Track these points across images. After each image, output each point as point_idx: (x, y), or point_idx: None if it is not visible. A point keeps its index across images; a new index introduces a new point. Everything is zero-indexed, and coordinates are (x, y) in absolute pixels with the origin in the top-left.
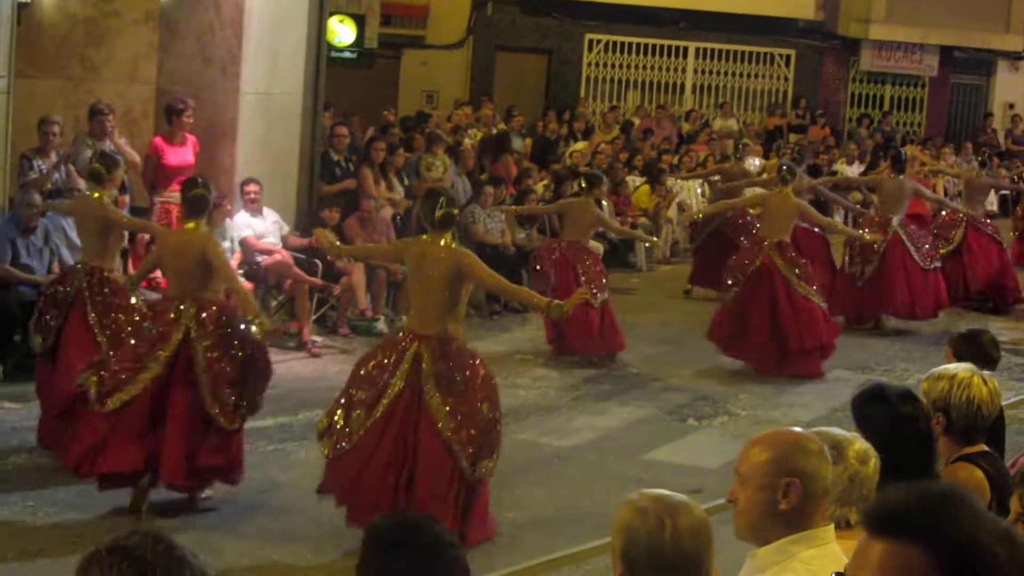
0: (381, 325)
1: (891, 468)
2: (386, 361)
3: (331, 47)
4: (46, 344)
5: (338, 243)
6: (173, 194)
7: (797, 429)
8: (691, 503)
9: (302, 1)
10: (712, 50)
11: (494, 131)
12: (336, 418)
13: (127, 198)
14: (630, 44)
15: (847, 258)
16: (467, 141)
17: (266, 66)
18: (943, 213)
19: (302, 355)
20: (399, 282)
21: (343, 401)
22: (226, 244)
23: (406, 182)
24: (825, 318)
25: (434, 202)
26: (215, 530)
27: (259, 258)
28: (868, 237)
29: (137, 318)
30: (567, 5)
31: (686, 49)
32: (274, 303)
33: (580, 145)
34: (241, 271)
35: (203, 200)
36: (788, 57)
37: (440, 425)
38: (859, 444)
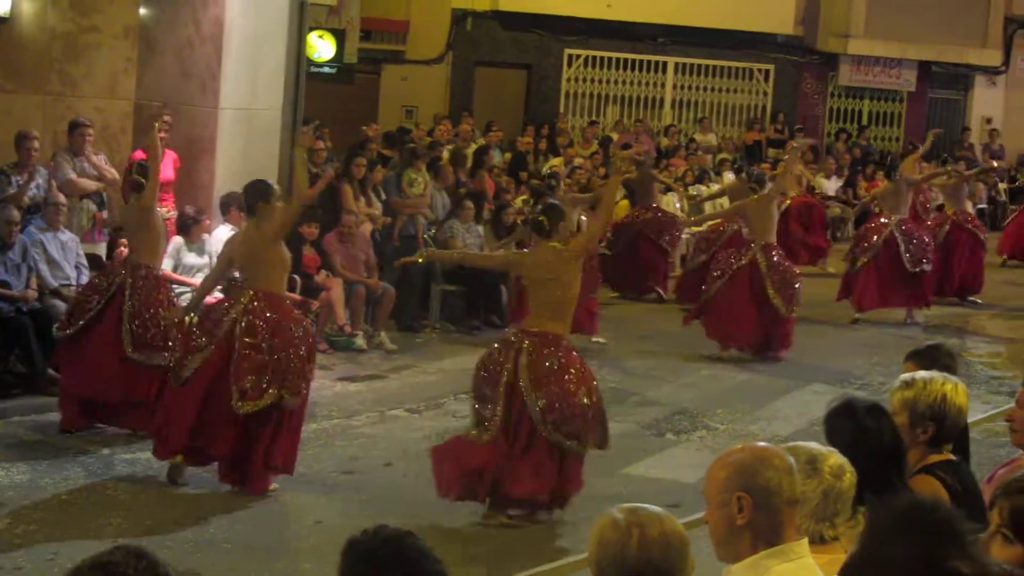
0: (360, 341)
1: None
2: (501, 359)
3: (311, 62)
4: (75, 325)
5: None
6: None
7: (763, 444)
8: (664, 515)
9: (282, 17)
10: (691, 65)
11: (473, 145)
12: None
13: (105, 213)
14: (609, 59)
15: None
16: (445, 155)
17: (246, 82)
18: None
19: None
20: (378, 298)
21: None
22: (204, 259)
23: (383, 197)
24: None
25: (559, 214)
26: (196, 546)
27: (237, 274)
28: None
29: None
30: (547, 20)
31: (665, 64)
32: None
33: (556, 161)
34: (219, 286)
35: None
36: (767, 72)
37: (534, 408)
38: (834, 459)
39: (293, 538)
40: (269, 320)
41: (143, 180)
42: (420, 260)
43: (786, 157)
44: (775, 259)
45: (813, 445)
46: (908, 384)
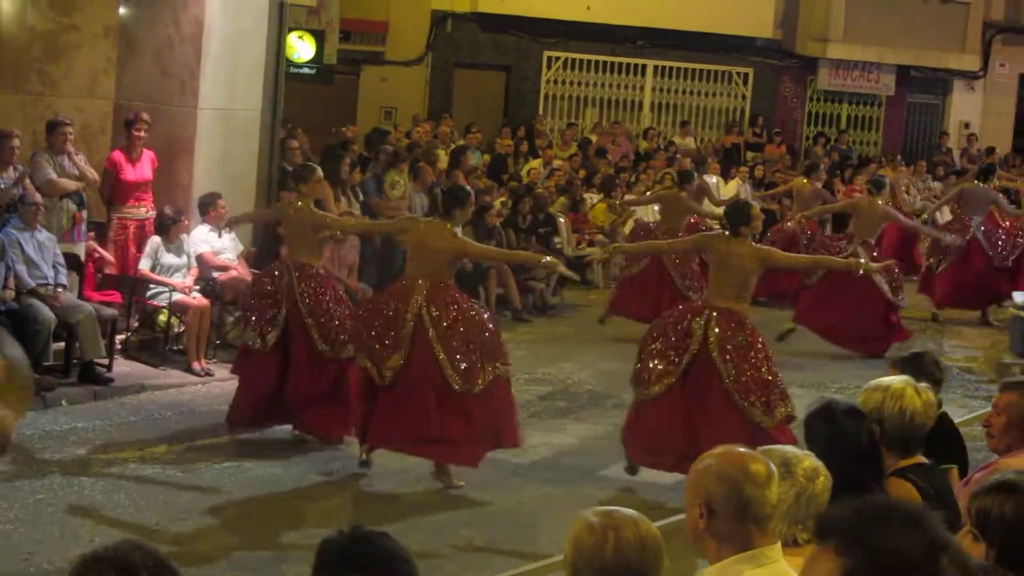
0: None
1: (833, 483)
2: (680, 326)
3: (290, 63)
4: (266, 341)
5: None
6: (131, 209)
7: (741, 449)
8: (640, 518)
9: (261, 17)
10: (670, 68)
11: (452, 146)
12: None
13: (84, 213)
14: (588, 62)
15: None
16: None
17: (225, 82)
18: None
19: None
20: (357, 300)
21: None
22: (183, 259)
23: (361, 198)
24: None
25: (747, 209)
26: (174, 545)
27: (216, 274)
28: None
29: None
30: (526, 22)
31: (644, 67)
32: (230, 319)
33: (535, 163)
34: (197, 287)
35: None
36: (746, 75)
37: (726, 382)
38: (809, 462)
39: (273, 538)
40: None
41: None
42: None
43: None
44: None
45: (788, 448)
46: (866, 388)
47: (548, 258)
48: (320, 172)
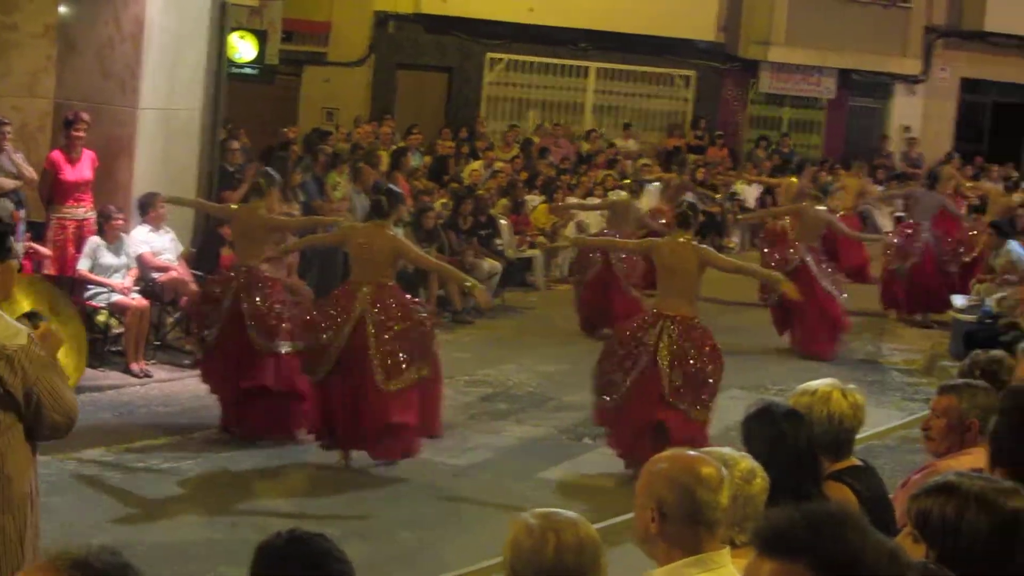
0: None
1: (772, 486)
2: (640, 334)
3: (231, 63)
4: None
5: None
6: (70, 210)
7: (692, 452)
8: (579, 520)
9: (203, 17)
10: (613, 70)
11: (392, 148)
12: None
13: (23, 212)
14: (531, 63)
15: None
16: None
17: (166, 82)
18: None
19: (197, 373)
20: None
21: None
22: (122, 259)
23: (302, 198)
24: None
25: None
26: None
27: (155, 275)
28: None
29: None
30: (469, 24)
31: (587, 69)
32: (170, 320)
33: (476, 164)
34: (137, 288)
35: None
36: (688, 78)
37: (665, 388)
38: (745, 463)
39: (208, 541)
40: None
41: (263, 183)
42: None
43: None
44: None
45: (725, 450)
46: (794, 392)
47: (470, 283)
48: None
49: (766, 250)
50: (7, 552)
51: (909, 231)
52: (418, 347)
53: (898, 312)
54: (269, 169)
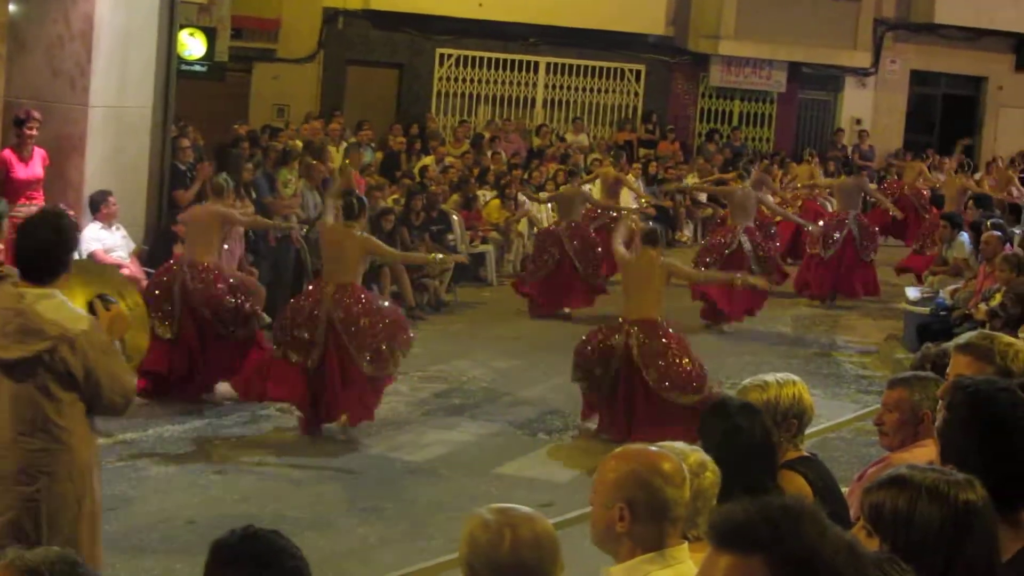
0: None
1: (727, 480)
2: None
3: (181, 60)
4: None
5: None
6: (22, 208)
7: (654, 448)
8: (535, 516)
9: (152, 14)
10: (563, 65)
11: (344, 144)
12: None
13: None
14: (481, 59)
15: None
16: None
17: (116, 79)
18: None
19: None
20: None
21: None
22: (74, 257)
23: (253, 195)
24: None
25: (655, 233)
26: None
27: None
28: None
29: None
30: (418, 19)
31: (537, 64)
32: None
33: (428, 160)
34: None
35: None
36: (638, 72)
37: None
38: (695, 456)
39: (165, 538)
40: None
41: (223, 184)
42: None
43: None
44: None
45: (678, 444)
46: (763, 387)
47: (437, 255)
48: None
49: (709, 236)
50: (66, 513)
51: (836, 219)
52: (393, 335)
53: (809, 295)
54: (225, 174)
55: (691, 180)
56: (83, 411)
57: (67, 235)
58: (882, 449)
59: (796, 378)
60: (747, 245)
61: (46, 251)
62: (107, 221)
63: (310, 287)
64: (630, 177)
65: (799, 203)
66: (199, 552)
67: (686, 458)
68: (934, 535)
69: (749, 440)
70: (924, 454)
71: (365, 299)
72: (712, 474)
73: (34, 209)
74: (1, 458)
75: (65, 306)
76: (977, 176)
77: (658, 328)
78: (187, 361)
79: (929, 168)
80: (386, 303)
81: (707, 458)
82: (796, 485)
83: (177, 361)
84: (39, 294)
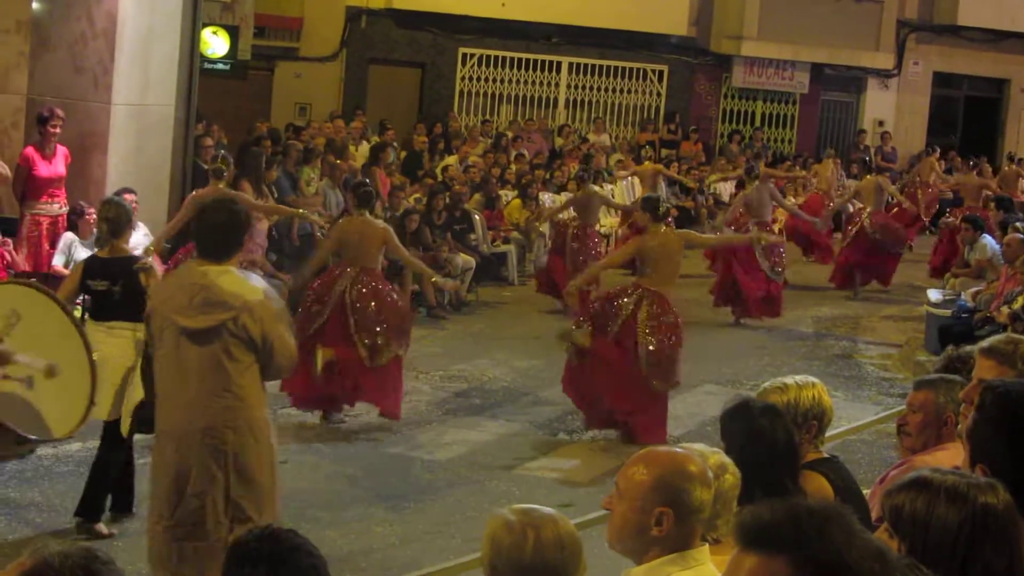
0: None
1: (749, 481)
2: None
3: (204, 58)
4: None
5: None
6: (44, 206)
7: (679, 449)
8: (558, 516)
9: (175, 12)
10: (585, 65)
11: (364, 144)
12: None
13: None
14: (503, 58)
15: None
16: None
17: (138, 77)
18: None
19: None
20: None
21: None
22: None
23: (275, 194)
24: None
25: (656, 202)
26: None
27: None
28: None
29: None
30: (441, 19)
31: (559, 64)
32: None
33: (451, 159)
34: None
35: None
36: (661, 73)
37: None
38: (715, 458)
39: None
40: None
41: (223, 167)
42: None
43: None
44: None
45: (698, 446)
46: (783, 389)
47: (436, 278)
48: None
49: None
50: (249, 463)
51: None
52: (395, 328)
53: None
54: (225, 153)
55: (712, 178)
56: (258, 373)
57: (240, 218)
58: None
59: (816, 380)
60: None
61: (222, 233)
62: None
63: (335, 269)
64: (671, 169)
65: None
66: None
67: (707, 460)
68: (951, 538)
69: (772, 442)
70: (947, 457)
71: (382, 287)
72: (732, 476)
73: (56, 207)
74: (191, 415)
75: (241, 280)
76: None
77: (670, 306)
78: None
79: (950, 171)
80: (400, 302)
81: (727, 460)
82: (817, 485)
83: None
84: (219, 271)
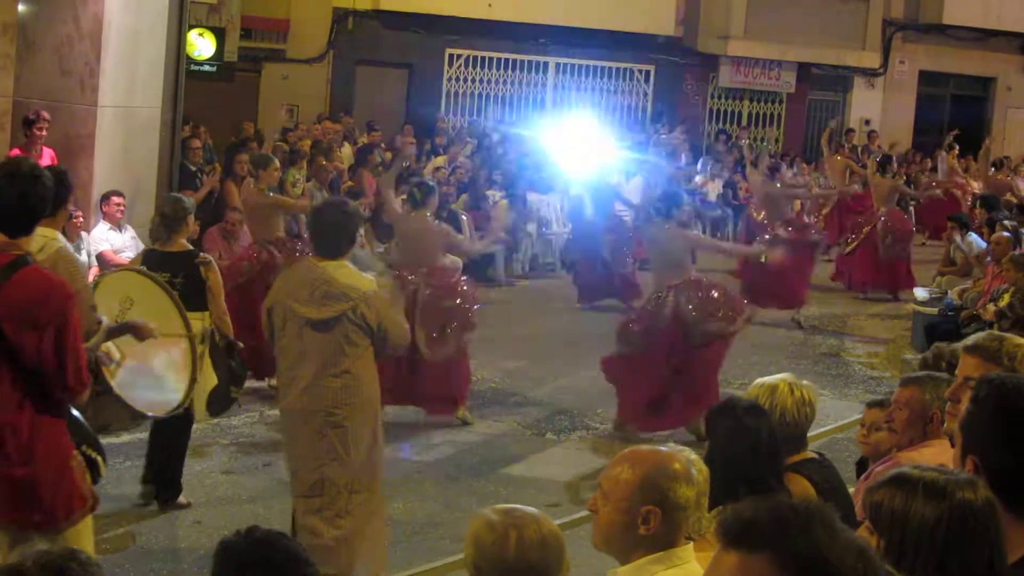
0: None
1: (732, 479)
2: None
3: (191, 60)
4: None
5: None
6: None
7: (663, 448)
8: (541, 516)
9: (161, 14)
10: (572, 65)
11: (345, 145)
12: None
13: None
14: (491, 59)
15: None
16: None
17: (125, 79)
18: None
19: None
20: None
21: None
22: (83, 258)
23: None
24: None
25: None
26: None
27: None
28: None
29: None
30: (428, 20)
31: (546, 64)
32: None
33: (438, 160)
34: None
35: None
36: (648, 73)
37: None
38: (683, 455)
39: (172, 538)
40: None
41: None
42: None
43: None
44: None
45: (671, 445)
46: (770, 387)
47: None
48: (277, 162)
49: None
50: (364, 437)
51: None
52: (461, 320)
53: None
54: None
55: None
56: (372, 356)
57: (353, 217)
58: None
59: (794, 378)
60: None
61: (337, 231)
62: (112, 221)
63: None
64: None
65: (826, 209)
66: (206, 552)
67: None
68: (929, 534)
69: (756, 440)
70: (932, 454)
71: (454, 281)
72: (700, 474)
73: None
74: (314, 394)
75: (356, 273)
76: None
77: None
78: None
79: (933, 170)
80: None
81: (694, 457)
82: (801, 488)
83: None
84: (336, 265)
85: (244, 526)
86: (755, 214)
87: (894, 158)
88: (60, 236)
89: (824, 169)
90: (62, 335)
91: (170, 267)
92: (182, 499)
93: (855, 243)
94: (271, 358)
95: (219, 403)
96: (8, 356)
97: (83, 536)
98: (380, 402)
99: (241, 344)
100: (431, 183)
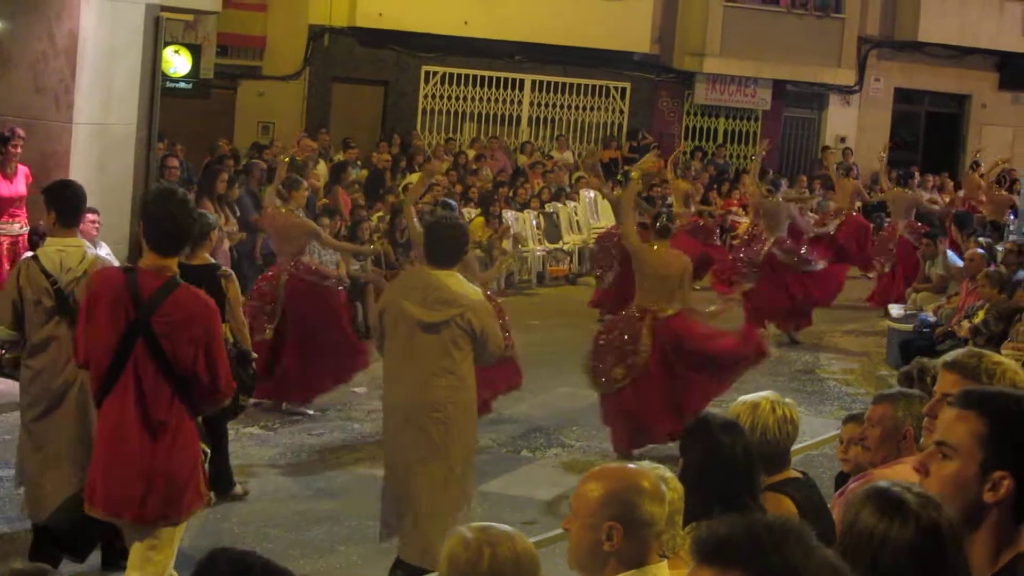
0: None
1: (707, 496)
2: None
3: (166, 77)
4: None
5: None
6: (5, 225)
7: (632, 466)
8: (515, 534)
9: (137, 31)
10: (548, 83)
11: (319, 163)
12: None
13: None
14: (466, 76)
15: None
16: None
17: (100, 96)
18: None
19: None
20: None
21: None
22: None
23: (238, 214)
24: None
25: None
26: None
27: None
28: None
29: None
30: (404, 37)
31: (522, 81)
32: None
33: (413, 177)
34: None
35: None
36: (623, 90)
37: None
38: (655, 473)
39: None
40: None
41: (283, 191)
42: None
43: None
44: None
45: (644, 463)
46: (751, 405)
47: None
48: (306, 183)
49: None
50: (465, 433)
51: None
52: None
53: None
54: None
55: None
56: (472, 360)
57: (463, 234)
58: (849, 469)
59: (776, 396)
60: (777, 253)
61: (450, 244)
62: (86, 238)
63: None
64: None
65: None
66: (183, 572)
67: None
68: (896, 554)
69: (731, 457)
70: (905, 471)
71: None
72: (673, 492)
73: (16, 227)
74: (421, 392)
75: (465, 282)
76: (961, 193)
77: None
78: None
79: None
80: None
81: (669, 475)
82: (783, 507)
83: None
84: (446, 274)
85: (218, 545)
86: (753, 226)
87: (856, 166)
88: (88, 244)
89: (829, 195)
90: (212, 346)
91: (193, 279)
92: (238, 489)
93: (889, 263)
94: (295, 379)
95: (228, 411)
96: (164, 364)
97: (179, 531)
98: (476, 407)
99: (255, 355)
100: (452, 202)
